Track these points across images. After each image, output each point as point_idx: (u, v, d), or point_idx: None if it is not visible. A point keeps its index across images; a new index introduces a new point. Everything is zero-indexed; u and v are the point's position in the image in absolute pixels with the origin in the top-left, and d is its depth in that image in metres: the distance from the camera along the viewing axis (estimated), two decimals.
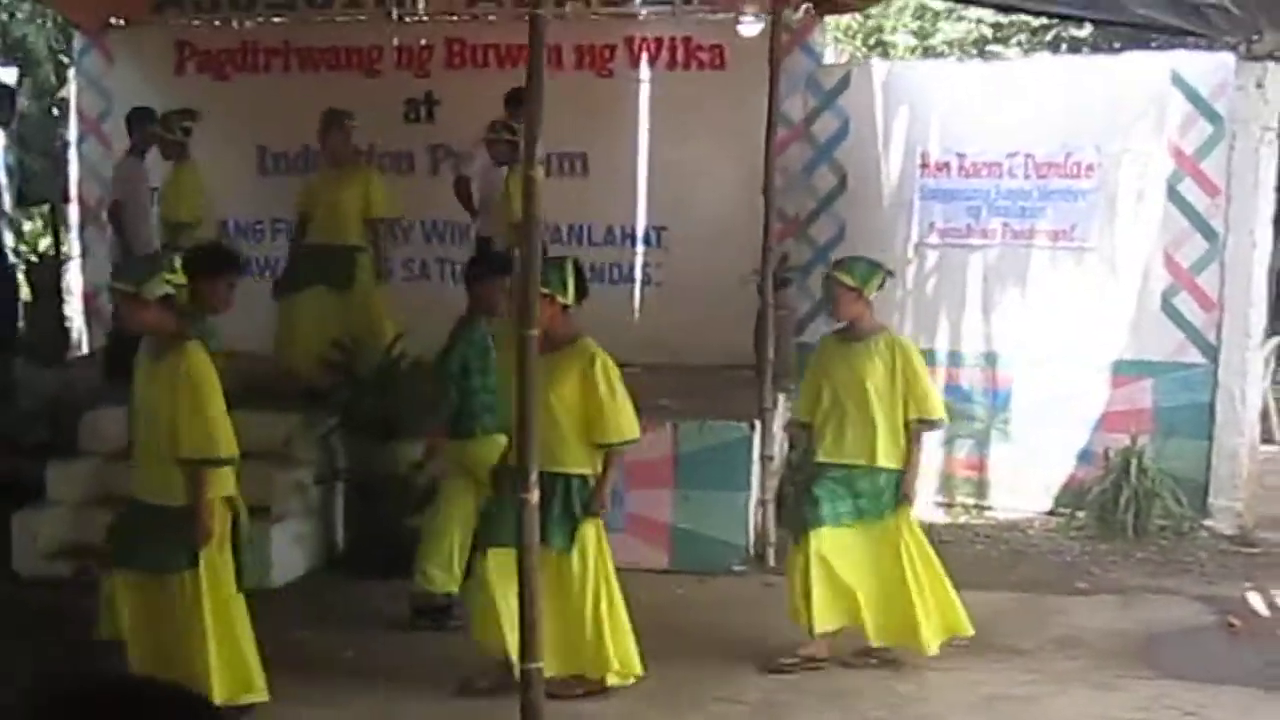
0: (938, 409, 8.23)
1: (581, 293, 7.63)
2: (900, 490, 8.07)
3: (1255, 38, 10.71)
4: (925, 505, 11.60)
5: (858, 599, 7.94)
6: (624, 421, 7.52)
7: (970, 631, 8.12)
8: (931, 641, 7.98)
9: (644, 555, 9.87)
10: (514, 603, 6.27)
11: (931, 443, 11.64)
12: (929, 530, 11.01)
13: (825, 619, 7.91)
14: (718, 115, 12.22)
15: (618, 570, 9.04)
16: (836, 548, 7.95)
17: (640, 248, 12.88)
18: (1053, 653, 8.41)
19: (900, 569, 7.99)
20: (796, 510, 8.16)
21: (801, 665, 7.97)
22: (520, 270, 5.80)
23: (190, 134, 11.23)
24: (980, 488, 11.88)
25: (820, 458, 8.14)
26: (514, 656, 6.52)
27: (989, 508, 11.75)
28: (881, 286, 8.30)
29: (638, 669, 7.62)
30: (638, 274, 12.93)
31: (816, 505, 7.95)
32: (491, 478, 7.90)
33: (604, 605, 7.48)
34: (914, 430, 8.08)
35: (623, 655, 7.55)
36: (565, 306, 7.50)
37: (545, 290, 7.18)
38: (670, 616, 8.77)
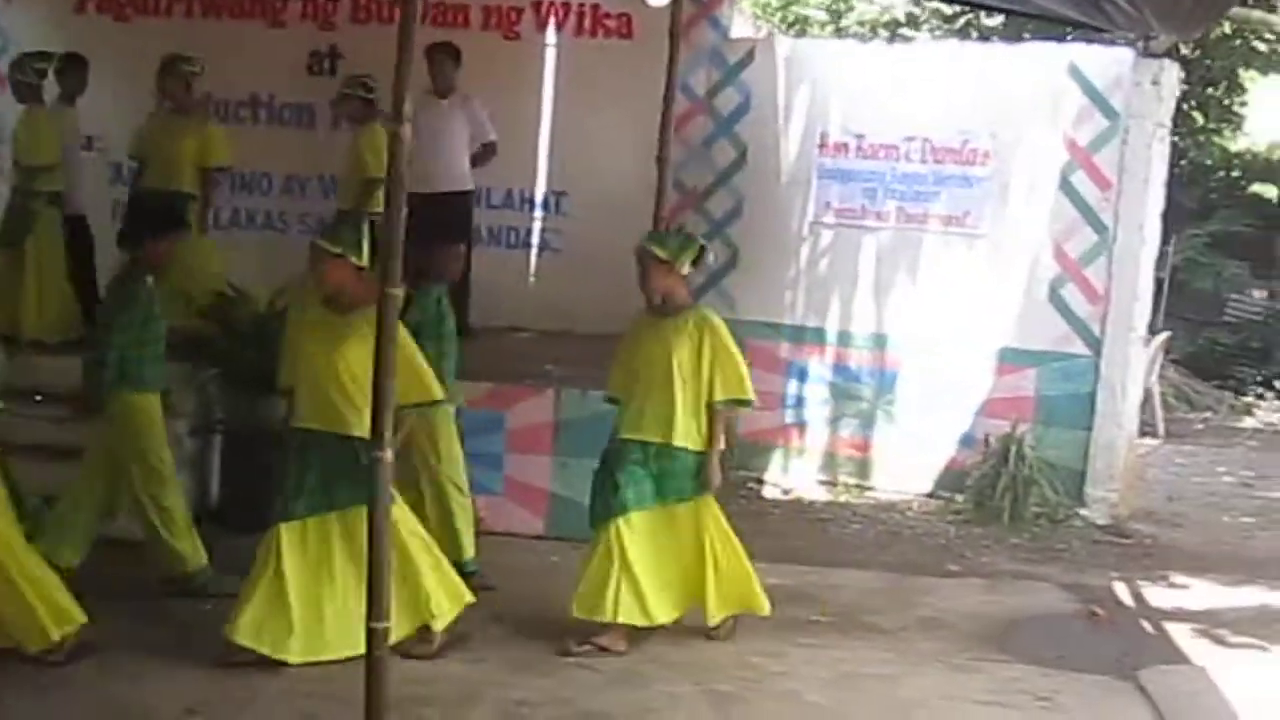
0: (746, 390, 8.03)
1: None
2: (703, 474, 7.93)
3: (1152, 34, 10.86)
4: (808, 482, 11.81)
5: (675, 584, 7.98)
6: (414, 384, 7.42)
7: (766, 610, 8.14)
8: (715, 613, 8.01)
9: (521, 521, 9.96)
10: None
11: (816, 421, 11.95)
12: (809, 506, 11.29)
13: (633, 612, 7.85)
14: (622, 84, 12.19)
15: (493, 534, 9.20)
16: (643, 533, 7.89)
17: (539, 213, 12.88)
18: (914, 633, 8.53)
19: (700, 550, 7.99)
20: (599, 496, 7.97)
21: (593, 652, 7.83)
22: (384, 230, 5.76)
23: (45, 76, 11.06)
24: (863, 468, 12.02)
25: (621, 434, 7.97)
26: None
27: (871, 488, 11.89)
28: (696, 263, 8.14)
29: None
30: (534, 239, 12.93)
31: (619, 490, 7.84)
32: None
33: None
34: (719, 411, 7.92)
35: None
36: (360, 268, 7.44)
37: (337, 251, 7.39)
38: (542, 583, 8.81)
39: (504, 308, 12.19)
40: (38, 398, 9.55)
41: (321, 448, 7.45)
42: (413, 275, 8.48)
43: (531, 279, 12.89)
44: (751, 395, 8.13)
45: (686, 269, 8.08)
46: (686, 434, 7.88)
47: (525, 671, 7.61)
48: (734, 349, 8.04)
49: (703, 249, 8.23)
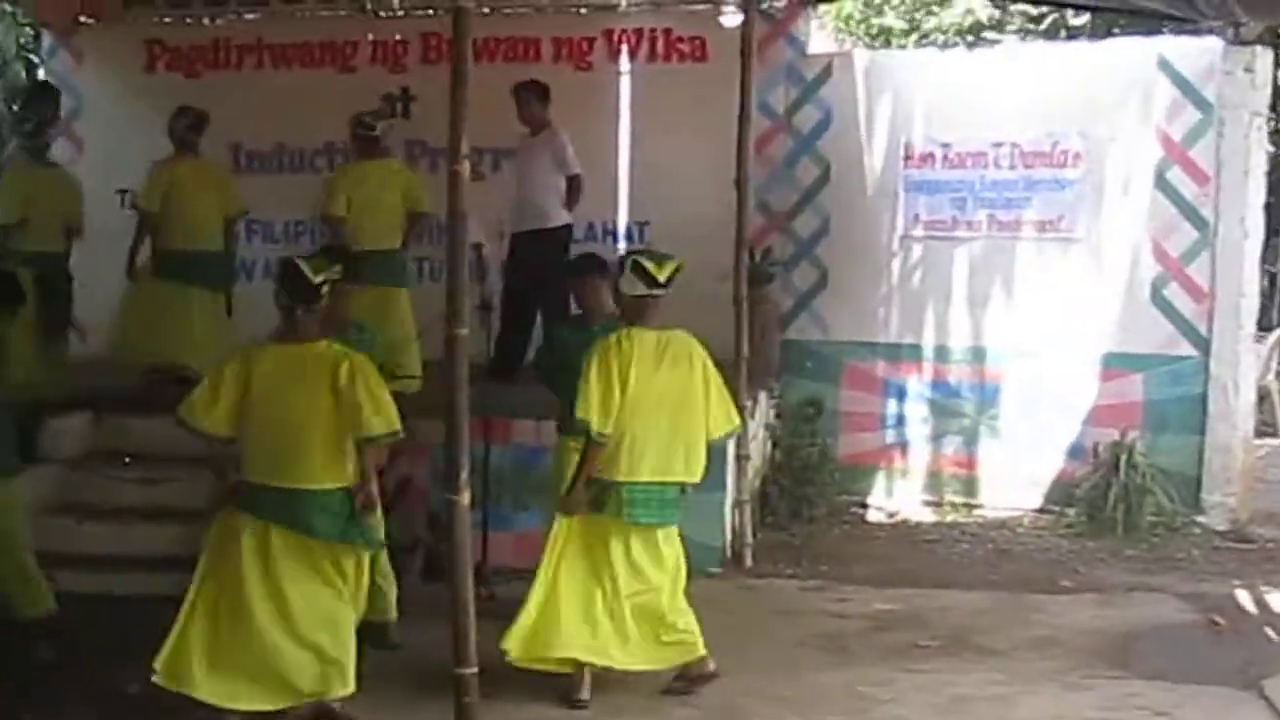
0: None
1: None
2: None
3: (1241, 21, 10.70)
4: (913, 503, 11.72)
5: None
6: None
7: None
8: None
9: None
10: None
11: (918, 440, 11.88)
12: (915, 528, 11.22)
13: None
14: (700, 108, 12.20)
15: None
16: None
17: (622, 244, 12.88)
18: (1027, 652, 8.42)
19: None
20: None
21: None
22: (449, 270, 5.77)
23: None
24: (969, 485, 11.92)
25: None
26: None
27: (978, 506, 11.80)
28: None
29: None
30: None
31: None
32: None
33: None
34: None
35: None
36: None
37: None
38: None
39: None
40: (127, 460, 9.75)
41: None
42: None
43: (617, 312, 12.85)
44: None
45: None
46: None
47: (625, 713, 7.56)
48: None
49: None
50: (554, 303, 10.82)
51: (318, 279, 7.07)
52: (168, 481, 9.54)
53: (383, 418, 7.00)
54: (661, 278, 7.58)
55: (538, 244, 11.10)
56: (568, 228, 11.53)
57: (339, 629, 7.05)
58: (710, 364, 7.75)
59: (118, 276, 11.09)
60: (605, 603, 7.56)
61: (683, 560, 7.83)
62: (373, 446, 7.09)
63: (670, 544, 7.72)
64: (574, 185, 11.46)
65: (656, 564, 7.64)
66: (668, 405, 7.55)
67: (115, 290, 11.18)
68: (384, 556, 7.92)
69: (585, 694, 7.56)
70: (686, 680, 7.77)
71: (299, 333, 7.13)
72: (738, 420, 7.92)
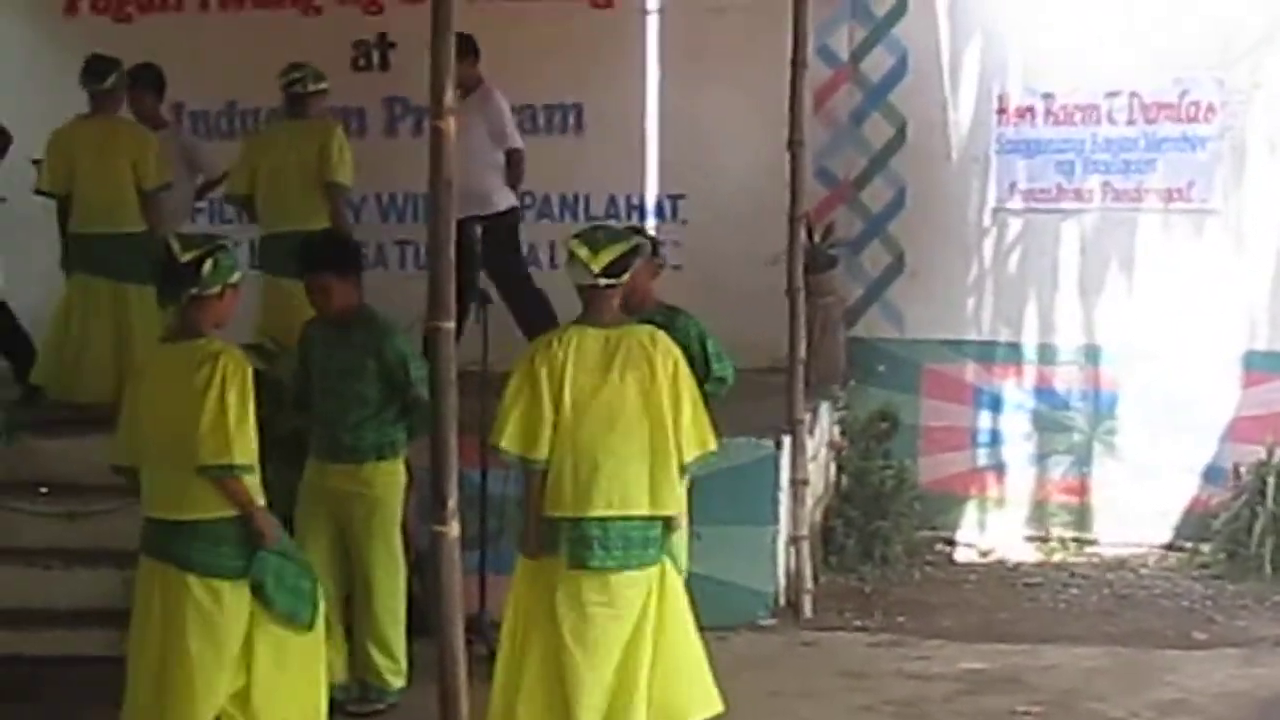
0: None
1: None
2: None
3: None
4: (1011, 539, 11.77)
5: None
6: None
7: None
8: None
9: None
10: None
11: (1018, 462, 11.92)
12: (1014, 570, 11.27)
13: None
14: (745, 54, 12.24)
15: None
16: None
17: (652, 222, 12.94)
18: None
19: None
20: None
21: None
22: (430, 251, 5.86)
23: None
24: (1081, 516, 11.99)
25: None
26: None
27: (1092, 541, 11.86)
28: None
29: None
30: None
31: None
32: None
33: None
34: None
35: None
36: None
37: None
38: None
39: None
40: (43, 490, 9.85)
41: None
42: None
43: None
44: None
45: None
46: None
47: None
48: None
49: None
50: (522, 301, 10.96)
51: (186, 258, 7.19)
52: (95, 515, 9.62)
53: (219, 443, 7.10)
54: (595, 267, 7.30)
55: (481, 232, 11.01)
56: (514, 211, 11.66)
57: None
58: (684, 368, 7.45)
59: (45, 267, 11.25)
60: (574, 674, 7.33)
61: (680, 616, 7.60)
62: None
63: (636, 593, 7.41)
64: (515, 161, 11.61)
65: (615, 619, 7.36)
66: (621, 421, 7.32)
67: (43, 285, 11.32)
68: None
69: None
70: None
71: (183, 328, 7.33)
72: (713, 442, 7.55)
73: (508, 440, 7.26)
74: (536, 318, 10.89)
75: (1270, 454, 11.15)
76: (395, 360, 8.41)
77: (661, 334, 7.46)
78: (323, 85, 11.20)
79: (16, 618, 9.36)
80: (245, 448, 7.10)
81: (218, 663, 7.18)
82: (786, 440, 10.21)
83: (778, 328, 10.51)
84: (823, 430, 11.45)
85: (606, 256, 7.31)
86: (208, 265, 7.16)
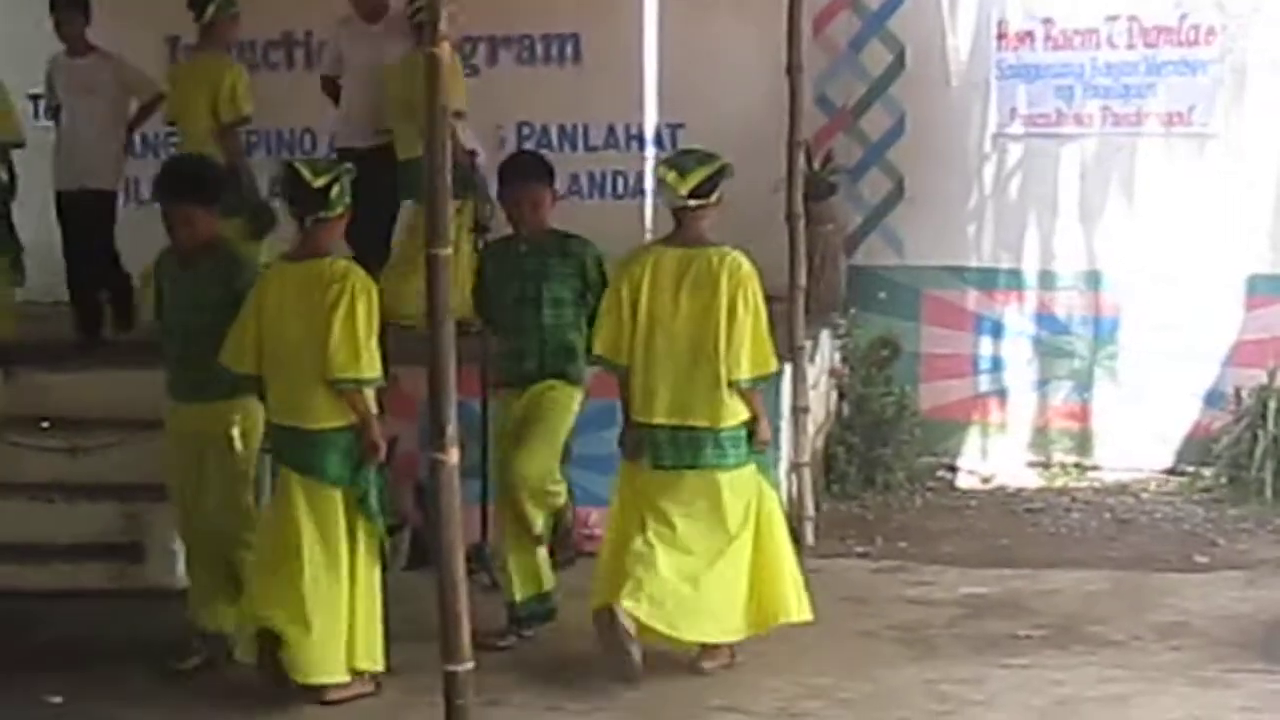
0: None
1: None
2: None
3: None
4: (1013, 465, 11.78)
5: None
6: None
7: None
8: None
9: None
10: None
11: (1019, 388, 11.94)
12: (1016, 495, 11.35)
13: None
14: None
15: None
16: None
17: (650, 151, 12.92)
18: (1152, 643, 8.46)
19: None
20: None
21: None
22: (428, 176, 5.86)
23: None
24: (1082, 442, 12.03)
25: None
26: None
27: (1094, 467, 11.90)
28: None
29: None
30: (648, 185, 12.97)
31: None
32: None
33: None
34: None
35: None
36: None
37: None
38: None
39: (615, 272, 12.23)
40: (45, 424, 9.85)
41: None
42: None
43: (647, 235, 12.89)
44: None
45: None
46: None
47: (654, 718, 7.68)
48: None
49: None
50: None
51: (318, 182, 7.60)
52: (98, 450, 9.64)
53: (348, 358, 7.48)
54: (683, 190, 7.90)
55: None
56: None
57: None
58: (751, 290, 7.94)
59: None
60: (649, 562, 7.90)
61: (776, 527, 8.14)
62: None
63: (711, 492, 7.94)
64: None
65: (688, 517, 7.94)
66: (682, 337, 7.89)
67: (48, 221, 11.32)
68: None
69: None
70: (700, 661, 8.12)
71: (308, 248, 7.74)
72: (771, 364, 8.04)
73: (598, 345, 8.05)
74: None
75: (1272, 378, 11.18)
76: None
77: (733, 255, 8.01)
78: None
79: (17, 552, 9.37)
80: (372, 362, 7.55)
81: (326, 563, 7.57)
82: (787, 368, 10.14)
83: (778, 255, 10.47)
84: (823, 358, 11.45)
85: (694, 179, 7.91)
86: (335, 189, 7.63)
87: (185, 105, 11.10)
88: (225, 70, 11.08)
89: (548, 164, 8.84)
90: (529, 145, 12.44)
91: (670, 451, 7.91)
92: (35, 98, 12.00)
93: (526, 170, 8.76)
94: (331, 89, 11.76)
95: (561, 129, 12.83)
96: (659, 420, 7.90)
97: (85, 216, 10.98)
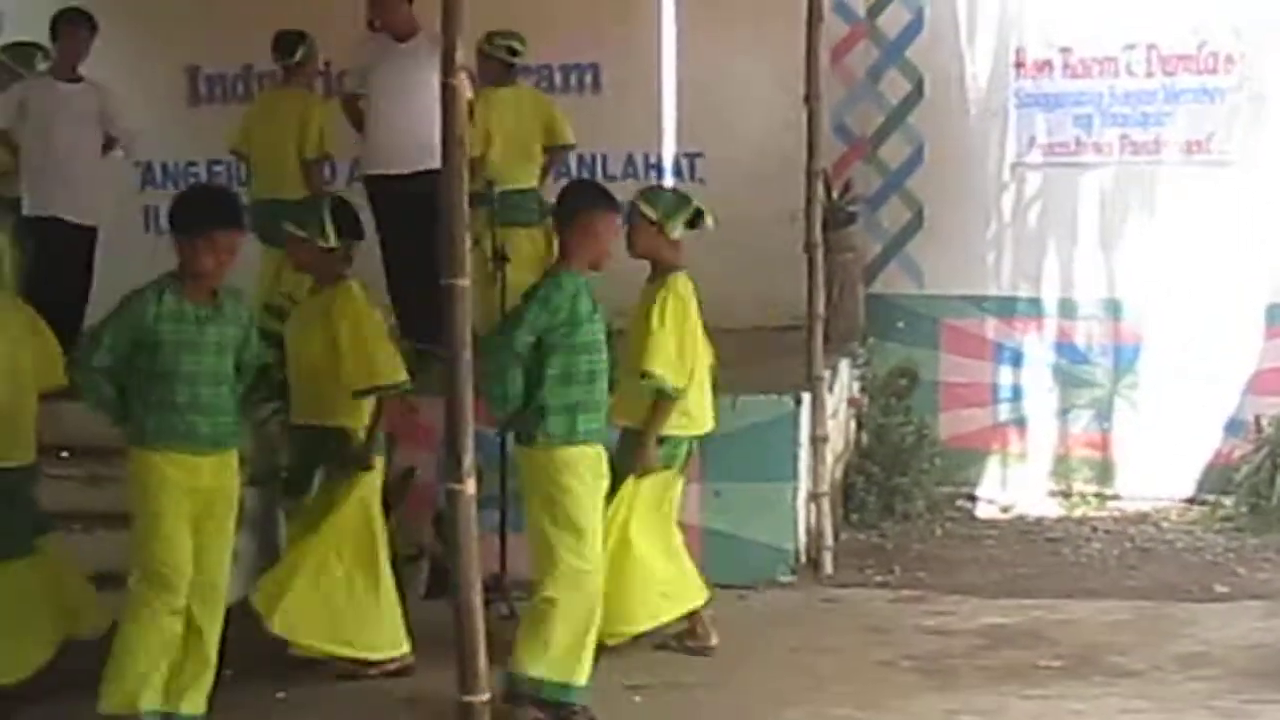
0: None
1: (352, 234, 8.41)
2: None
3: None
4: (1033, 494, 11.77)
5: None
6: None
7: None
8: None
9: None
10: None
11: (1039, 417, 11.93)
12: (1036, 525, 11.30)
13: None
14: (760, 12, 12.25)
15: None
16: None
17: (669, 181, 12.95)
18: (1173, 673, 8.42)
19: None
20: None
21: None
22: (445, 207, 5.88)
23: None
24: (1103, 471, 12.01)
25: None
26: None
27: (1114, 496, 11.87)
28: (693, 226, 8.55)
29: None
30: None
31: None
32: None
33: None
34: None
35: None
36: (330, 250, 8.26)
37: (302, 234, 8.27)
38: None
39: (631, 301, 12.23)
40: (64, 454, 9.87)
41: None
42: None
43: None
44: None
45: (677, 234, 8.55)
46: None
47: None
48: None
49: (698, 214, 8.55)
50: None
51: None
52: (117, 479, 9.62)
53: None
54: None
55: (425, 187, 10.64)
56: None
57: None
58: None
59: None
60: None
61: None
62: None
63: None
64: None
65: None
66: (704, 354, 8.69)
67: None
68: None
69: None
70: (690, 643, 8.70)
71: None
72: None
73: (671, 374, 8.30)
74: None
75: None
76: None
77: None
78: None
79: None
80: None
81: None
82: (806, 397, 10.18)
83: (796, 285, 10.50)
84: (842, 387, 11.45)
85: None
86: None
87: (266, 139, 11.32)
88: (313, 107, 11.40)
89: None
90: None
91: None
92: None
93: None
94: (354, 111, 11.22)
95: (580, 158, 12.81)
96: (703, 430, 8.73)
97: (57, 247, 10.67)
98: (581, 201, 7.99)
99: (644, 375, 8.25)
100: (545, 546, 7.57)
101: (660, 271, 8.50)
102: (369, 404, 8.21)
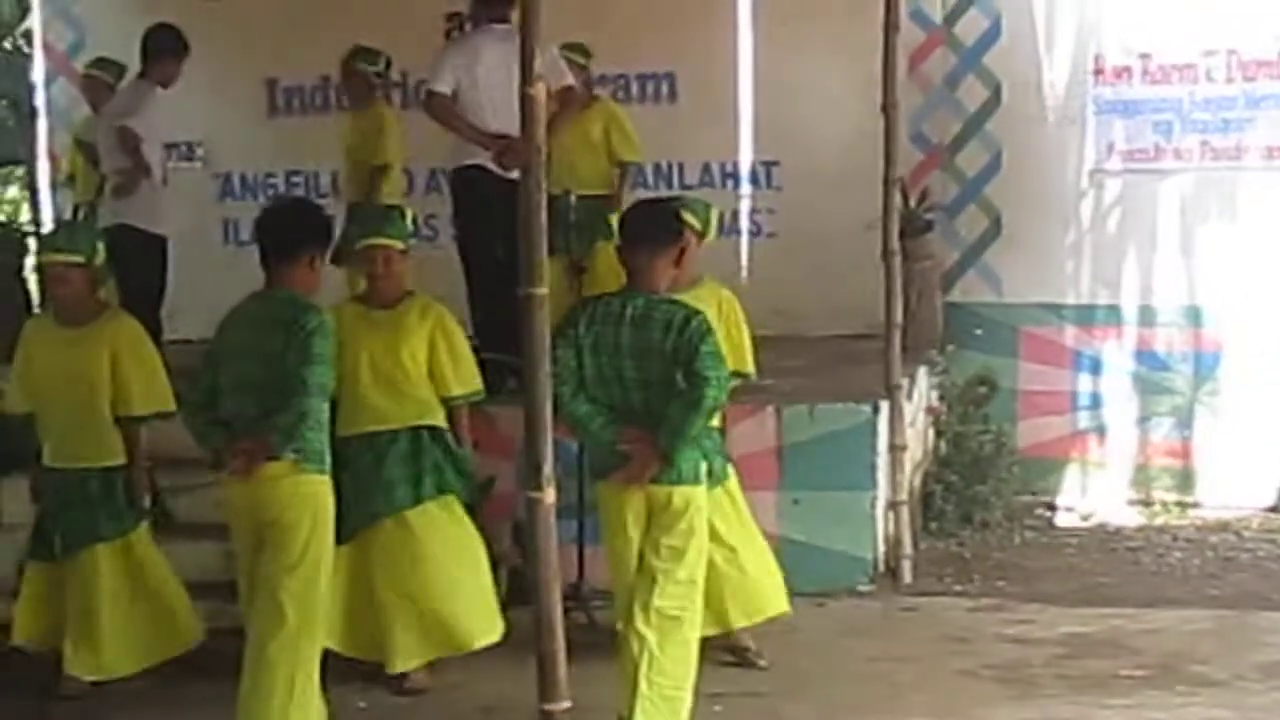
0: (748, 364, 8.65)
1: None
2: None
3: None
4: (1113, 503, 11.72)
5: None
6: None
7: None
8: None
9: None
10: None
11: (1119, 425, 11.87)
12: (1116, 534, 11.25)
13: None
14: (837, 19, 12.25)
15: None
16: None
17: (746, 189, 12.98)
18: (1255, 683, 8.37)
19: None
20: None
21: None
22: (522, 218, 5.90)
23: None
24: (1184, 479, 11.95)
25: None
26: None
27: (1195, 505, 11.81)
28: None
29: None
30: (744, 223, 13.02)
31: None
32: None
33: None
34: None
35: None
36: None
37: (386, 242, 8.36)
38: (780, 650, 8.84)
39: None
40: None
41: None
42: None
43: (742, 273, 12.94)
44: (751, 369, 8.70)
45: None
46: None
47: None
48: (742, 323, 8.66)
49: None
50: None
51: None
52: (194, 490, 9.66)
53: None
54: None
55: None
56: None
57: None
58: None
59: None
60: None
61: None
62: None
63: None
64: (568, 100, 10.45)
65: None
66: None
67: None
68: None
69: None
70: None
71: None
72: None
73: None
74: None
75: None
76: None
77: None
78: None
79: None
80: None
81: None
82: (884, 405, 10.16)
83: (874, 293, 10.50)
84: (920, 395, 11.42)
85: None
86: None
87: (350, 149, 11.69)
88: (380, 117, 11.58)
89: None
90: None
91: None
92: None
93: None
94: (444, 109, 10.28)
95: (657, 167, 12.86)
96: None
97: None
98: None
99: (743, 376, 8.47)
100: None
101: (691, 279, 8.30)
102: None
